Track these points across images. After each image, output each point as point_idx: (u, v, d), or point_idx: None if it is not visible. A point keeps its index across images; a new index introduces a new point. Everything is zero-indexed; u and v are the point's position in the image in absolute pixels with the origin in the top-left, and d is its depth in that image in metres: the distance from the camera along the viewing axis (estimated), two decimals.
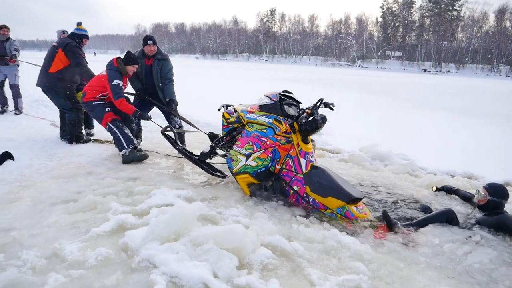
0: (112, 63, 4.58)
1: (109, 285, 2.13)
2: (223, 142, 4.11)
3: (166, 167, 4.46)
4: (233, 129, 3.99)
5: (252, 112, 3.66)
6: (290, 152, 3.49)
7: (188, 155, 4.22)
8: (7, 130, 5.85)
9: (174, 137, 4.48)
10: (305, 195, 3.36)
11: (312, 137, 3.69)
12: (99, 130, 5.59)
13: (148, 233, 2.50)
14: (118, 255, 2.43)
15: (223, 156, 4.11)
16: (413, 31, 73.25)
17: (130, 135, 4.59)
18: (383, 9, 74.47)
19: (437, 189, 3.94)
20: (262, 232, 2.76)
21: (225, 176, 4.05)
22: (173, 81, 5.01)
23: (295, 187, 3.42)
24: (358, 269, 2.40)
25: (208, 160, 4.22)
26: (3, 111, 7.26)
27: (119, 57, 4.65)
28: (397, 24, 74.43)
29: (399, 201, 3.66)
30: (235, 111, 3.87)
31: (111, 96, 4.51)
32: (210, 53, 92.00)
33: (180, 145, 4.50)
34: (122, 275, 2.23)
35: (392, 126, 7.79)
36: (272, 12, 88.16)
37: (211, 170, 4.07)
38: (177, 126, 5.02)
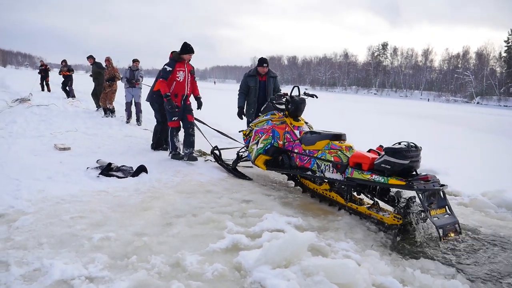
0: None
1: None
2: (245, 149, 5.25)
3: (277, 193, 4.54)
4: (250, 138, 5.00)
5: (257, 119, 5.00)
6: (286, 129, 4.52)
7: (225, 166, 5.37)
8: (142, 145, 6.77)
9: (219, 154, 5.64)
10: (303, 151, 4.24)
11: None
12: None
13: (261, 256, 2.57)
14: (232, 273, 2.55)
15: (246, 157, 5.17)
16: None
17: (177, 144, 5.73)
18: (508, 43, 65.54)
19: None
20: (374, 271, 2.63)
21: (251, 179, 4.97)
22: None
23: (295, 150, 4.36)
24: None
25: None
26: (128, 122, 9.19)
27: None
28: None
29: None
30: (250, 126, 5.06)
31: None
32: (319, 85, 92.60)
33: (222, 161, 5.56)
34: None
35: None
36: (384, 46, 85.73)
37: (241, 175, 5.10)
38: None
